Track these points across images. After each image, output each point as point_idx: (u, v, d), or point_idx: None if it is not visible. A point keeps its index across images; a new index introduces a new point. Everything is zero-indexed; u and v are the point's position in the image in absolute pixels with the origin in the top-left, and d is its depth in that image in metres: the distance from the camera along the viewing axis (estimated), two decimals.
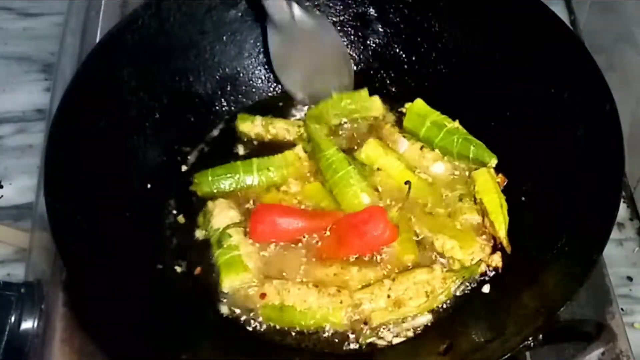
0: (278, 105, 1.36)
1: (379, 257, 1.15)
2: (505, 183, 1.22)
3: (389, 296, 1.10)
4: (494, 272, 1.14)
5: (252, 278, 1.14)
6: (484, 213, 1.17)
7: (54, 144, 1.09)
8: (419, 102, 1.28)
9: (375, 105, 1.32)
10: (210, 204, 1.21)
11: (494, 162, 1.23)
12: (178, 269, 1.17)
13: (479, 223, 1.18)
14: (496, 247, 1.16)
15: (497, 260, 1.13)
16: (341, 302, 1.09)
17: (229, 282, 1.13)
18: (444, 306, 1.12)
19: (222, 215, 1.19)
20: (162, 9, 1.23)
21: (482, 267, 1.13)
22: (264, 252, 1.17)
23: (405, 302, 1.09)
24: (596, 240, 0.99)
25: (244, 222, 1.18)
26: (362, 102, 1.32)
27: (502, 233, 1.15)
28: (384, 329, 1.10)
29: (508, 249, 1.13)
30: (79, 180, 1.10)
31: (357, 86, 1.35)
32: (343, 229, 1.15)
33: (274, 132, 1.30)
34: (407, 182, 1.18)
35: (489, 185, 1.18)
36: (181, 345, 1.03)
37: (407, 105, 1.29)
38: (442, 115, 1.26)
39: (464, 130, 1.25)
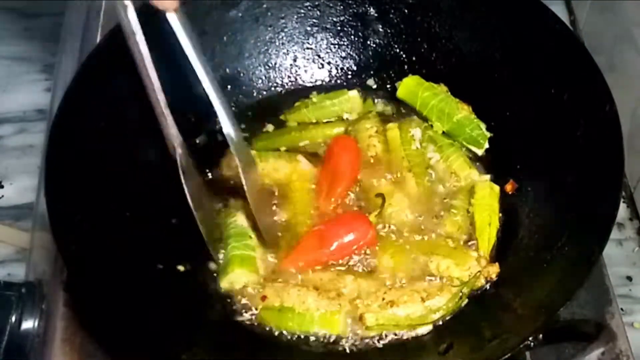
0: (277, 106, 1.37)
1: (372, 267, 1.16)
2: (515, 188, 1.21)
3: (383, 299, 1.10)
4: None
5: (258, 280, 1.15)
6: (472, 228, 1.18)
7: (54, 144, 1.09)
8: (413, 78, 1.31)
9: (355, 102, 1.33)
10: (232, 200, 1.23)
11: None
12: (179, 268, 1.17)
13: (465, 238, 1.18)
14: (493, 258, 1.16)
15: (494, 271, 1.12)
16: (339, 305, 1.09)
17: (238, 274, 1.13)
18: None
19: (246, 214, 1.20)
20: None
21: (482, 281, 1.12)
22: (270, 257, 1.18)
23: (400, 304, 1.09)
24: (596, 240, 0.99)
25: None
26: (344, 102, 1.33)
27: (483, 252, 1.15)
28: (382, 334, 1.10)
29: (493, 272, 1.12)
30: (80, 180, 1.10)
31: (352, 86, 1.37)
32: (325, 229, 1.17)
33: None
34: (379, 195, 1.19)
35: (484, 201, 1.18)
36: (181, 345, 1.03)
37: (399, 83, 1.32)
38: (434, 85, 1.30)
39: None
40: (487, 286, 1.12)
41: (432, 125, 1.29)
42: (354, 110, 1.34)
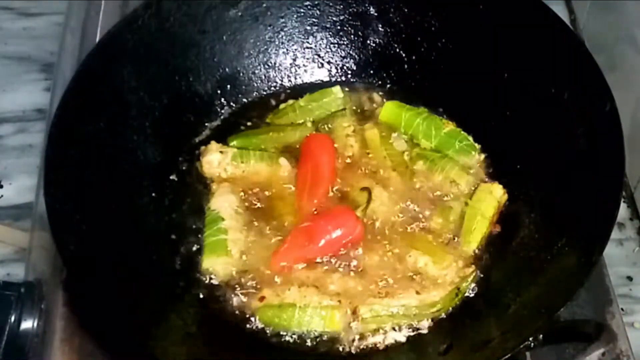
0: (277, 103, 1.36)
1: (362, 264, 1.15)
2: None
3: (379, 292, 1.10)
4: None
5: (232, 264, 1.15)
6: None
7: (54, 143, 1.09)
8: (393, 102, 1.31)
9: (339, 98, 1.33)
10: (214, 185, 1.23)
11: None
12: (177, 268, 1.17)
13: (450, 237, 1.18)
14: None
15: (470, 273, 1.12)
16: (339, 301, 1.10)
17: (209, 264, 1.15)
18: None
19: (222, 197, 1.21)
20: (162, 8, 1.23)
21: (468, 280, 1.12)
22: (250, 239, 1.18)
23: (394, 294, 1.10)
24: (596, 240, 0.99)
25: (243, 211, 1.20)
26: (331, 102, 1.33)
27: (463, 254, 1.15)
28: (381, 330, 1.10)
29: (469, 274, 1.12)
30: (79, 180, 1.09)
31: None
32: (313, 225, 1.17)
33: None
34: (364, 189, 1.20)
35: (477, 205, 1.18)
36: (181, 346, 1.03)
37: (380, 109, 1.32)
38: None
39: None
40: (487, 287, 1.12)
41: (418, 144, 1.28)
42: (342, 106, 1.33)
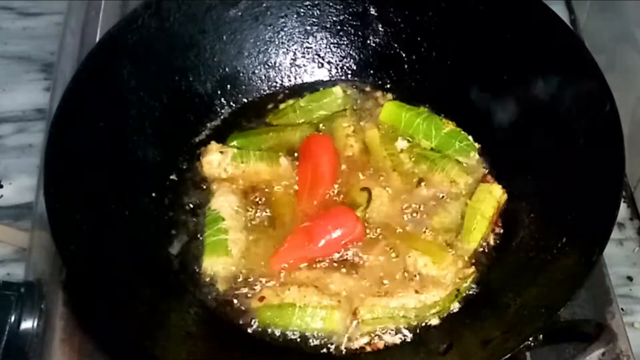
0: (277, 104, 1.36)
1: (361, 264, 1.15)
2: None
3: (378, 292, 1.11)
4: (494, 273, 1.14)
5: (232, 264, 1.15)
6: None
7: (53, 143, 1.09)
8: (393, 102, 1.31)
9: (341, 98, 1.33)
10: (214, 185, 1.23)
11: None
12: (176, 266, 1.17)
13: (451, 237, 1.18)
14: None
15: (469, 274, 1.12)
16: (339, 302, 1.10)
17: (209, 264, 1.15)
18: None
19: (222, 197, 1.21)
20: (162, 8, 1.23)
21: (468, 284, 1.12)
22: (250, 239, 1.18)
23: (394, 294, 1.10)
24: (596, 241, 0.99)
25: (243, 211, 1.21)
26: (332, 102, 1.33)
27: (463, 254, 1.15)
28: (383, 330, 1.10)
29: (468, 275, 1.12)
30: (79, 180, 1.09)
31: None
32: (313, 225, 1.17)
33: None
34: (364, 189, 1.20)
35: (477, 205, 1.18)
36: (181, 346, 1.03)
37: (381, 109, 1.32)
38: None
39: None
40: (487, 287, 1.12)
41: (418, 144, 1.28)
42: (342, 107, 1.33)
